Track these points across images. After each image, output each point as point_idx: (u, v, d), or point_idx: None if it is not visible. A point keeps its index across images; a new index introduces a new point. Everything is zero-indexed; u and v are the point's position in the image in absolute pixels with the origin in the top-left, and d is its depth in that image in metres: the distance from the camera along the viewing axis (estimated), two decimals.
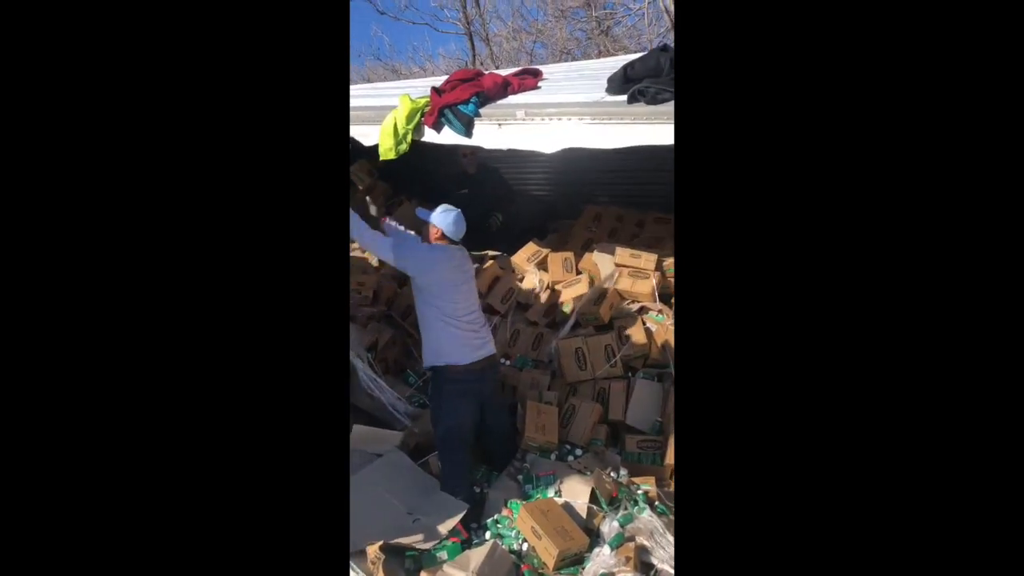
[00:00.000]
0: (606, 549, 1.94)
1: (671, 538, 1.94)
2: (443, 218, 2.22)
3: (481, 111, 2.18)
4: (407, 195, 3.77)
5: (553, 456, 2.37)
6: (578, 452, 2.40)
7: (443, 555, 1.94)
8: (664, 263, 2.87)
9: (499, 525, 2.10)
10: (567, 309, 2.95)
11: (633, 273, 2.87)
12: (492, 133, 2.18)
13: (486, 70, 3.19)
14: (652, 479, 2.17)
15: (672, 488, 2.19)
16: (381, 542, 1.90)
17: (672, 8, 6.45)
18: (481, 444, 2.36)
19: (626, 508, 2.06)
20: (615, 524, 2.01)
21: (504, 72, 2.57)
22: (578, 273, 3.11)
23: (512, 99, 2.25)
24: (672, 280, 2.85)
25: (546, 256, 3.19)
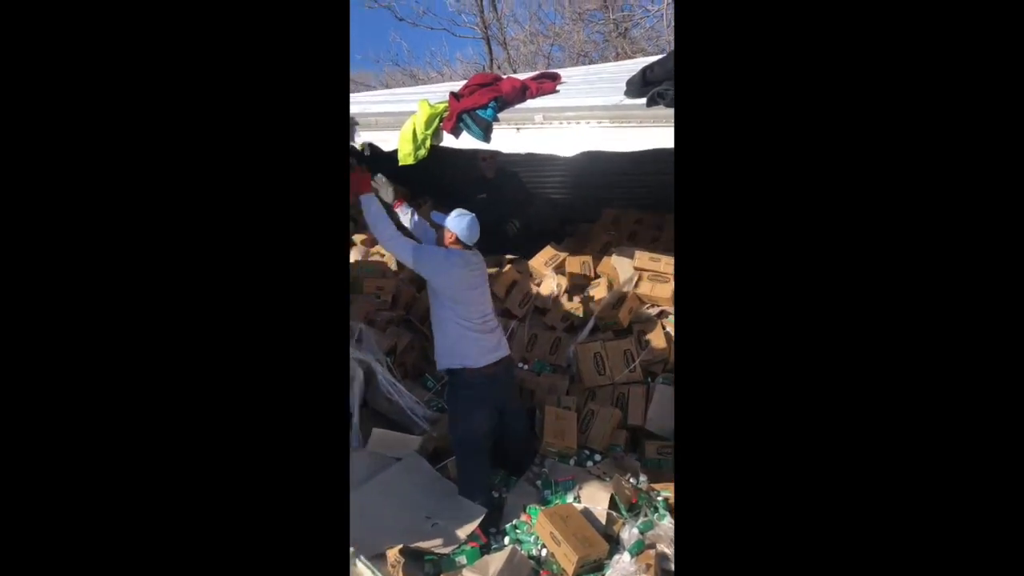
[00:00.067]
0: (626, 556, 1.92)
1: None
2: (457, 222, 2.23)
3: (499, 115, 2.18)
4: (425, 199, 3.79)
5: (572, 461, 2.36)
6: (597, 457, 2.38)
7: (462, 560, 1.94)
8: None
9: (518, 530, 2.09)
10: (585, 313, 2.93)
11: (653, 277, 2.84)
12: (510, 137, 2.18)
13: (504, 74, 3.20)
14: (672, 485, 2.15)
15: None
16: (400, 545, 1.90)
17: None
18: (498, 448, 2.36)
19: (646, 515, 2.04)
20: (635, 531, 1.98)
21: (522, 76, 2.57)
22: (597, 277, 3.09)
23: (530, 103, 2.25)
24: None
25: (564, 260, 3.18)
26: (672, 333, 2.70)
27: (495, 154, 3.23)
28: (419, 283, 3.21)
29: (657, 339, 2.66)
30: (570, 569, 1.89)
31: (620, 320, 2.78)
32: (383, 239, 2.15)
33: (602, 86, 2.48)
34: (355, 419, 2.55)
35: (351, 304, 3.15)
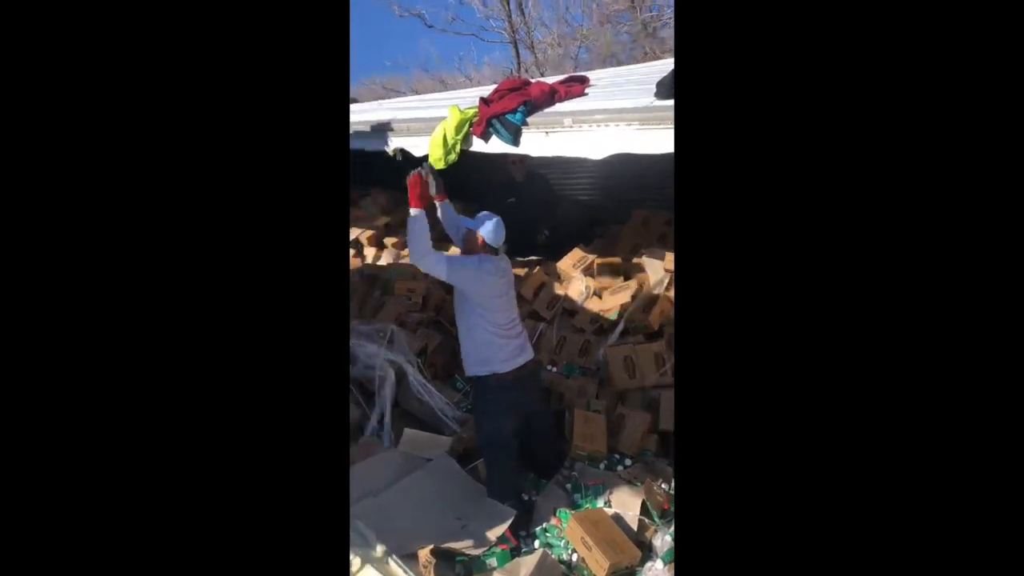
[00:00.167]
0: (659, 563, 1.89)
1: None
2: (484, 225, 2.24)
3: (528, 119, 2.19)
4: (455, 203, 3.82)
5: (602, 465, 2.34)
6: (627, 462, 2.36)
7: (493, 562, 1.94)
8: None
9: (548, 534, 2.09)
10: (614, 316, 2.91)
11: None
12: (539, 141, 2.19)
13: (532, 78, 3.21)
14: None
15: None
16: (432, 546, 1.92)
17: None
18: (526, 451, 2.36)
19: None
20: (668, 538, 1.96)
21: (551, 80, 2.57)
22: (626, 279, 3.07)
23: (559, 107, 2.25)
24: None
25: (593, 262, 3.17)
26: None
27: (524, 157, 3.25)
28: (448, 286, 3.24)
29: None
30: (601, 575, 1.88)
31: (651, 323, 2.75)
32: (417, 256, 2.15)
33: (631, 88, 2.47)
34: (387, 419, 2.59)
35: (383, 306, 3.20)
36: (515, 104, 2.20)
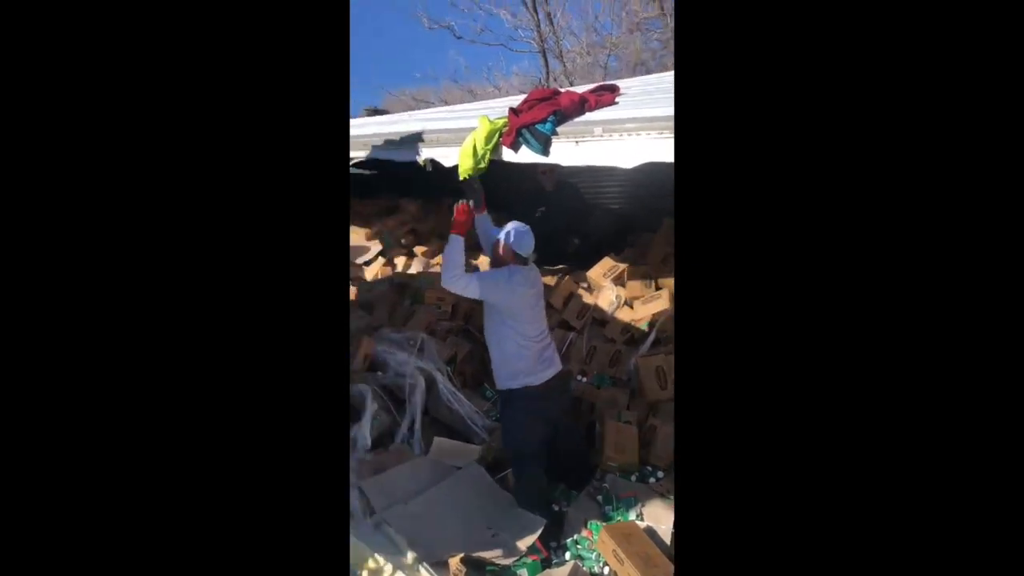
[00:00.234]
0: None
1: None
2: (513, 235, 2.24)
3: (558, 129, 2.20)
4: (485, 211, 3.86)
5: (634, 478, 2.31)
6: (660, 474, 2.32)
7: (523, 572, 1.93)
8: None
9: (579, 546, 2.07)
10: (645, 325, 2.88)
11: None
12: (569, 150, 2.19)
13: (561, 87, 3.22)
14: None
15: None
16: (462, 555, 1.92)
17: None
18: (555, 462, 2.34)
19: None
20: None
21: (581, 89, 2.58)
22: (657, 288, 3.03)
23: (589, 116, 2.25)
24: None
25: (623, 271, 3.14)
26: None
27: (554, 167, 3.25)
28: None
29: None
30: None
31: None
32: (449, 279, 2.16)
33: (661, 96, 2.45)
34: (417, 426, 2.61)
35: (413, 314, 3.24)
36: (545, 114, 2.21)
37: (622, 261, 3.23)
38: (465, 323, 3.23)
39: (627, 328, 2.94)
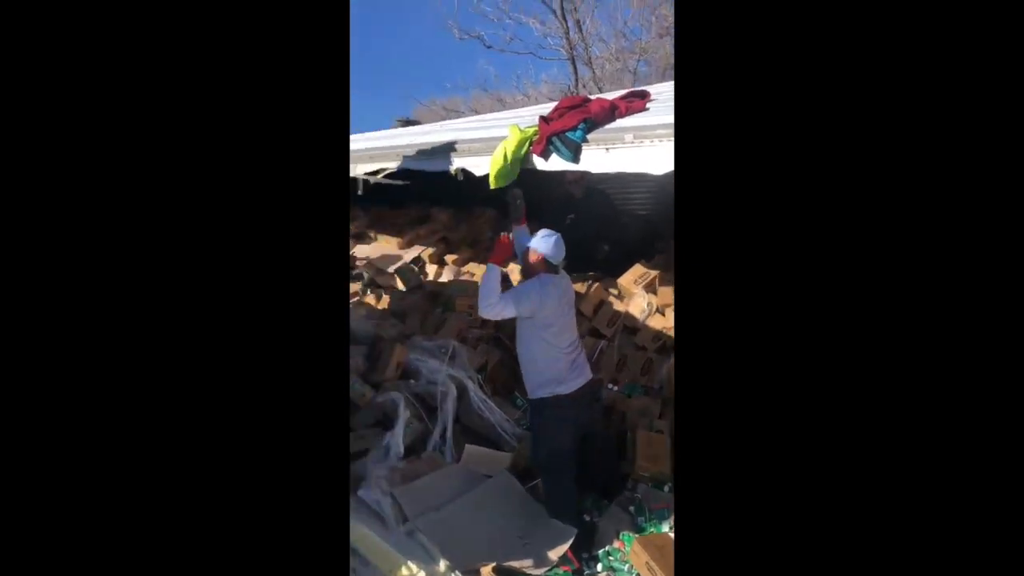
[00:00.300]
0: None
1: None
2: (544, 242, 2.24)
3: (589, 136, 2.20)
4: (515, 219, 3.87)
5: (667, 488, 2.27)
6: None
7: None
8: None
9: (611, 557, 2.04)
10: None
11: None
12: (600, 157, 2.19)
13: (591, 94, 3.22)
14: None
15: None
16: (494, 564, 1.92)
17: None
18: (585, 472, 2.32)
19: None
20: None
21: (611, 96, 2.57)
22: None
23: (620, 122, 2.24)
24: None
25: (655, 277, 3.10)
26: None
27: (584, 174, 3.25)
28: None
29: None
30: None
31: None
32: (485, 307, 2.18)
33: None
34: (448, 434, 2.63)
35: (444, 322, 3.27)
36: (575, 122, 2.21)
37: (653, 268, 3.19)
38: (496, 331, 3.25)
39: (659, 336, 2.90)
